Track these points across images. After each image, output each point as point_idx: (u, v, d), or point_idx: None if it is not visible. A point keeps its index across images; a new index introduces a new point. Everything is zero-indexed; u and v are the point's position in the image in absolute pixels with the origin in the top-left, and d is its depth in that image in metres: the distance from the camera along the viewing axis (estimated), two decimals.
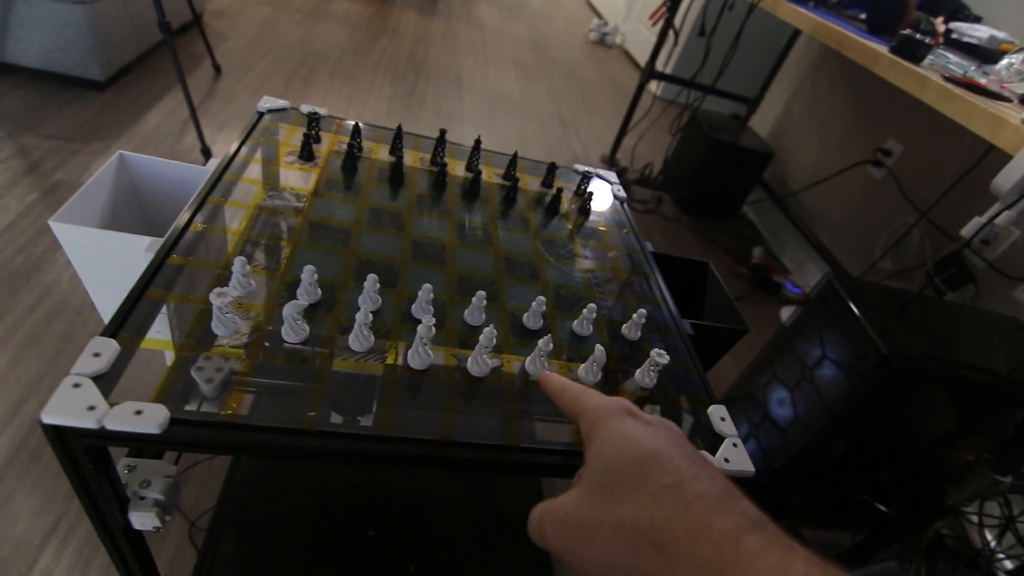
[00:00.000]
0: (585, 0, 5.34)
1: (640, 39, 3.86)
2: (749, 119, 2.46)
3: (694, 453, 0.28)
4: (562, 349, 0.53)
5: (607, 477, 0.26)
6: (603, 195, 0.81)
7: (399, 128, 0.73)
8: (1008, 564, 1.16)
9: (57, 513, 0.86)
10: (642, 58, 2.12)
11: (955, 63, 1.11)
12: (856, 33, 1.32)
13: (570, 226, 0.72)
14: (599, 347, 0.48)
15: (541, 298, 0.53)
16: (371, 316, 0.45)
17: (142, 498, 0.44)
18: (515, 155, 0.76)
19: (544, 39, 3.92)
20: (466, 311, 0.52)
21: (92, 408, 0.35)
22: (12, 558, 0.80)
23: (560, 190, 0.73)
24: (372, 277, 0.48)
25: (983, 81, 1.07)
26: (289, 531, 0.81)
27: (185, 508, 0.89)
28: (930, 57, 1.11)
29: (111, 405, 0.36)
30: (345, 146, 0.69)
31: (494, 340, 0.45)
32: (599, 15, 4.76)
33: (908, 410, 0.98)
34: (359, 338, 0.45)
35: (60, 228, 0.57)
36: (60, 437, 0.36)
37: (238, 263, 0.46)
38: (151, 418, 0.36)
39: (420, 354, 0.45)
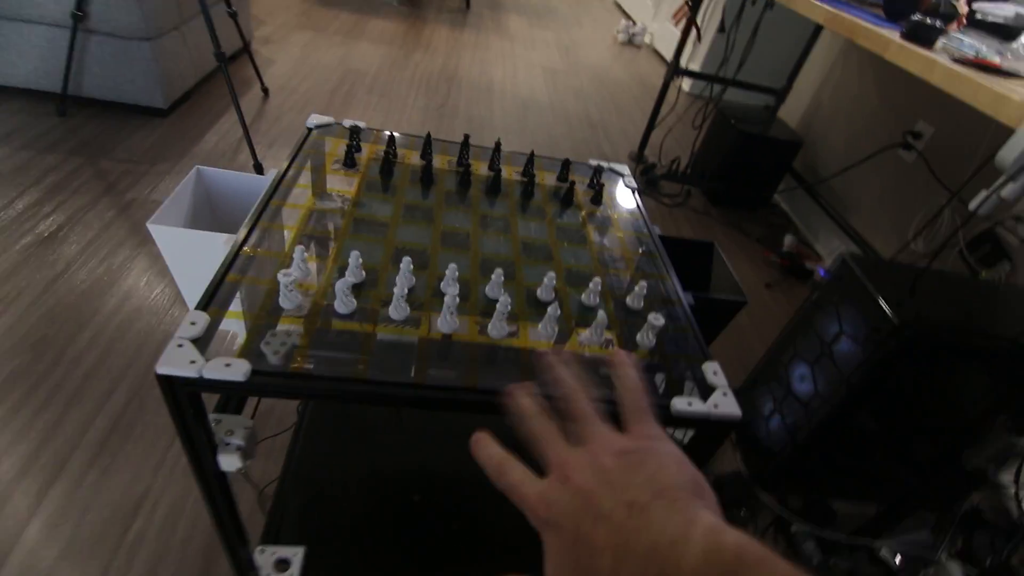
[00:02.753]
0: (613, 2, 5.39)
1: (669, 37, 3.89)
2: (778, 109, 2.46)
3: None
4: (571, 317, 0.61)
5: None
6: (615, 186, 0.89)
7: (428, 136, 0.82)
8: None
9: (147, 483, 0.99)
10: (671, 56, 2.17)
11: (968, 44, 1.13)
12: (872, 21, 1.34)
13: (583, 214, 0.80)
14: (601, 312, 0.56)
15: (551, 273, 0.61)
16: (407, 291, 0.54)
17: (227, 444, 0.55)
18: (532, 154, 0.85)
19: (573, 44, 4.00)
20: (487, 286, 0.60)
21: (193, 362, 0.46)
22: (111, 520, 0.93)
23: (573, 183, 0.81)
24: (407, 259, 0.58)
25: (997, 60, 1.08)
26: (344, 497, 0.91)
27: (254, 479, 1.01)
28: (943, 40, 1.14)
29: (206, 360, 0.46)
30: (382, 153, 0.79)
31: (509, 307, 0.54)
32: (628, 16, 4.80)
33: (927, 380, 1.00)
34: (397, 309, 0.54)
35: (156, 229, 0.69)
36: (170, 385, 0.46)
37: (298, 251, 0.56)
38: (237, 369, 0.46)
39: (448, 320, 0.54)
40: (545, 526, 0.29)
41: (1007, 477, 1.03)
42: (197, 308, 0.51)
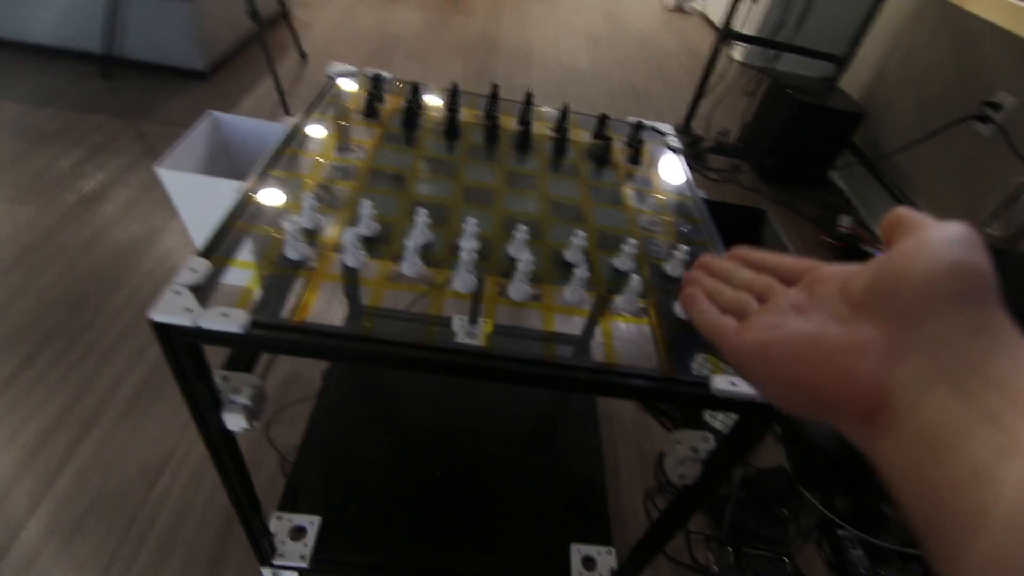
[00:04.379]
0: None
1: (721, 3, 3.68)
2: (838, 79, 2.29)
3: None
4: (603, 282, 0.55)
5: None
6: (656, 146, 0.82)
7: (454, 86, 0.77)
8: None
9: (174, 441, 0.99)
10: (722, 23, 2.04)
11: None
12: None
13: (620, 174, 0.73)
14: (635, 276, 0.50)
15: (581, 232, 0.55)
16: (422, 246, 0.50)
17: (233, 402, 0.52)
18: (566, 107, 0.78)
19: (618, 8, 3.83)
20: (510, 245, 0.55)
21: (189, 310, 0.42)
22: (138, 477, 0.93)
23: (610, 139, 0.75)
24: (423, 211, 0.53)
25: None
26: (363, 467, 0.89)
27: (277, 444, 1.00)
28: None
29: (205, 309, 0.43)
30: (405, 104, 0.74)
31: (532, 265, 0.49)
32: None
33: None
34: (411, 264, 0.50)
35: (164, 173, 0.66)
36: (165, 333, 0.43)
37: (307, 199, 0.52)
38: (236, 320, 0.42)
39: (464, 278, 0.49)
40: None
41: None
42: (199, 255, 0.48)
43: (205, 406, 0.50)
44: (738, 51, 3.11)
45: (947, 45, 1.91)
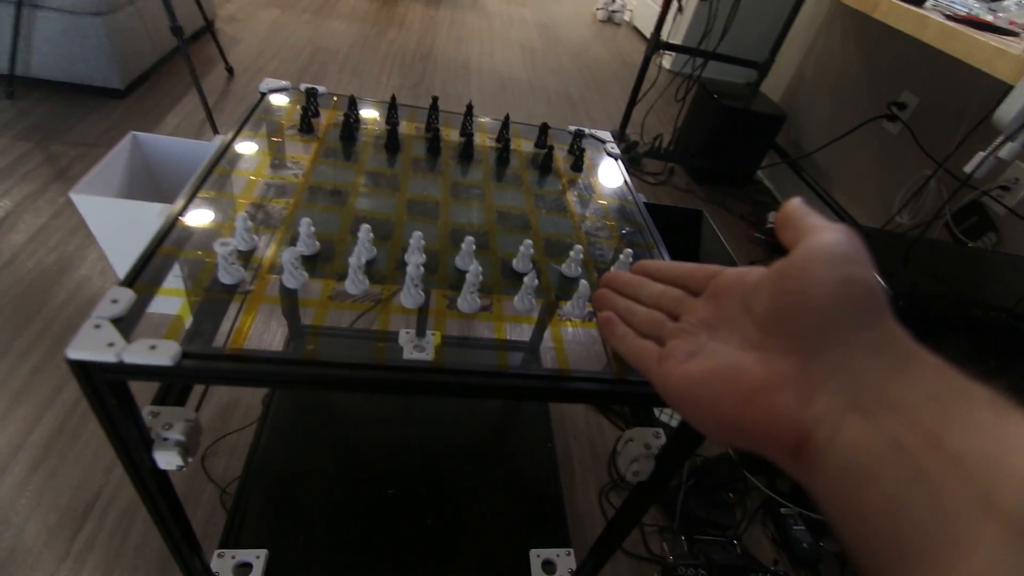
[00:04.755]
0: None
1: (649, 14, 3.82)
2: (760, 84, 2.42)
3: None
4: (551, 289, 0.55)
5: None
6: (596, 153, 0.83)
7: (393, 98, 0.75)
8: None
9: (98, 485, 0.91)
10: (651, 33, 2.11)
11: (959, 2, 1.08)
12: None
13: (563, 182, 0.74)
14: (583, 282, 0.50)
15: (528, 241, 0.55)
16: (365, 263, 0.48)
17: (165, 439, 0.48)
18: (507, 117, 0.78)
19: (552, 21, 3.91)
20: (456, 257, 0.55)
21: (111, 344, 0.39)
22: (58, 526, 0.86)
23: (552, 147, 0.75)
24: (365, 227, 0.51)
25: (989, 18, 1.04)
26: (311, 492, 0.85)
27: (215, 476, 0.94)
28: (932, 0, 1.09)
29: (128, 342, 0.40)
30: (342, 118, 0.72)
31: (480, 277, 0.48)
32: None
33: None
34: (354, 281, 0.48)
35: (79, 199, 0.61)
36: (85, 372, 0.39)
37: (240, 219, 0.49)
38: (164, 351, 0.39)
39: (411, 293, 0.48)
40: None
41: None
42: (122, 284, 0.44)
43: (133, 446, 0.46)
44: (667, 59, 3.23)
45: (856, 50, 2.05)
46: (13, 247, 1.30)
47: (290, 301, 0.48)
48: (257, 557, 0.73)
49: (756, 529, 1.07)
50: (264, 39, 2.62)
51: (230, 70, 2.26)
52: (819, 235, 0.24)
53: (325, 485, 0.86)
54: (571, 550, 0.82)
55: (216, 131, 1.70)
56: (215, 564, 0.71)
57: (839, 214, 1.94)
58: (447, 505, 0.86)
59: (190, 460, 0.50)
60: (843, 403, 0.20)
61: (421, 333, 0.46)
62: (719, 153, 2.17)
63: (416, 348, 0.44)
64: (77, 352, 0.39)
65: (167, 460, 0.48)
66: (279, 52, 2.53)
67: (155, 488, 0.50)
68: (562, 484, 0.96)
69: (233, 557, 0.73)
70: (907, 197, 1.73)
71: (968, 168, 0.85)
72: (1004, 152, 0.81)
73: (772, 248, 1.98)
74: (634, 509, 0.65)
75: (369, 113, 0.79)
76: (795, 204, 0.28)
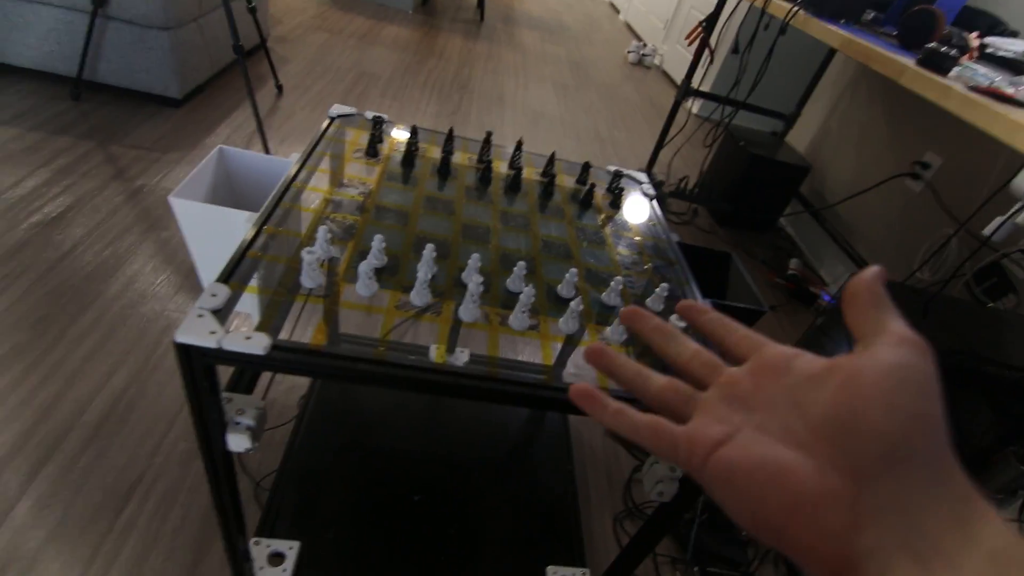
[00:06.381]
0: (624, 23, 5.46)
1: (678, 60, 3.94)
2: (786, 135, 2.49)
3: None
4: (592, 314, 0.60)
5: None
6: (633, 192, 0.89)
7: (451, 131, 0.82)
8: None
9: (141, 469, 0.97)
10: (680, 78, 2.20)
11: (983, 74, 1.14)
12: (887, 48, 1.36)
13: (602, 217, 0.79)
14: (623, 310, 0.56)
15: (573, 269, 0.60)
16: (430, 278, 0.53)
17: (237, 423, 0.54)
18: (553, 155, 0.85)
19: (584, 61, 4.04)
20: (508, 279, 0.60)
21: (213, 332, 0.45)
22: (103, 504, 0.91)
23: (593, 185, 0.81)
24: (430, 246, 0.57)
25: (1011, 91, 1.10)
26: (342, 493, 0.90)
27: (251, 470, 0.99)
28: (957, 69, 1.15)
29: (226, 332, 0.45)
30: (404, 145, 0.79)
31: (532, 298, 0.53)
32: (638, 37, 4.86)
33: None
34: (420, 294, 0.54)
35: (177, 202, 0.68)
36: (187, 355, 0.45)
37: (321, 231, 0.56)
38: (258, 342, 0.45)
39: (470, 308, 0.53)
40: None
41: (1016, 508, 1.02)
42: (218, 280, 0.50)
43: (213, 427, 0.52)
44: (696, 105, 3.32)
45: (882, 108, 2.12)
46: (73, 239, 1.38)
47: (363, 306, 0.53)
48: (290, 548, 0.77)
49: (768, 569, 1.09)
50: (312, 60, 2.75)
51: (279, 87, 2.38)
52: (896, 349, 0.22)
53: (355, 487, 0.90)
54: (587, 570, 0.85)
55: (266, 144, 1.79)
56: (252, 550, 0.75)
57: (860, 266, 1.98)
58: (469, 515, 0.90)
59: (257, 444, 0.55)
60: (896, 542, 0.20)
61: (452, 349, 0.51)
62: (743, 198, 2.23)
63: (464, 358, 0.49)
64: (184, 336, 0.44)
65: (239, 442, 0.53)
66: (325, 73, 2.65)
67: (222, 467, 0.55)
68: (579, 507, 0.99)
69: (268, 546, 0.77)
70: (928, 254, 1.76)
71: (987, 231, 0.89)
72: (1023, 218, 0.85)
73: (791, 294, 2.01)
74: (651, 534, 0.68)
75: (425, 139, 0.85)
76: (870, 281, 0.25)
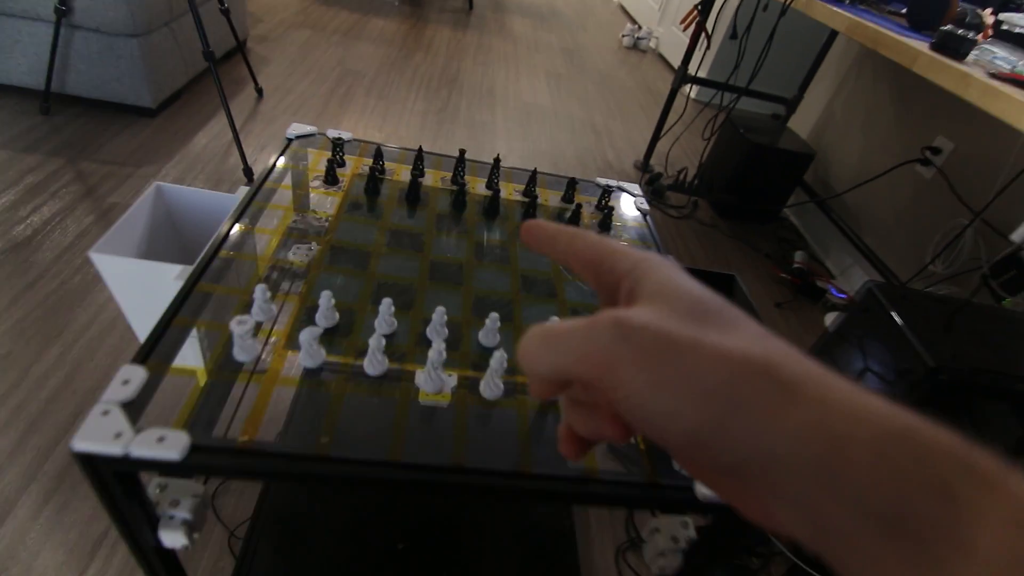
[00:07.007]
0: (618, 6, 5.32)
1: (675, 42, 3.81)
2: (788, 120, 2.39)
3: None
4: None
5: (695, 306, 0.22)
6: (625, 208, 0.81)
7: (420, 149, 0.74)
8: None
9: (107, 522, 0.90)
10: (677, 62, 2.10)
11: (1003, 58, 1.05)
12: (895, 30, 1.27)
13: None
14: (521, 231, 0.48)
15: (555, 317, 0.52)
16: (384, 340, 0.46)
17: (171, 517, 0.46)
18: (535, 172, 0.77)
19: (577, 47, 3.92)
20: (480, 332, 0.52)
21: (119, 435, 0.37)
22: (65, 564, 0.84)
23: (580, 205, 0.73)
24: (387, 301, 0.49)
25: None
26: (322, 541, 0.83)
27: (224, 518, 0.92)
28: (975, 52, 1.06)
29: (137, 431, 0.38)
30: (367, 169, 0.71)
31: (505, 364, 0.46)
32: (633, 20, 4.73)
33: (958, 423, 0.92)
34: (373, 362, 0.46)
35: (99, 259, 0.61)
36: (90, 463, 0.38)
37: (259, 291, 0.48)
38: (172, 445, 0.38)
39: (432, 378, 0.45)
40: (649, 263, 0.25)
41: None
42: (133, 361, 0.43)
43: (138, 526, 0.44)
44: (694, 89, 3.21)
45: (888, 90, 2.01)
46: (40, 265, 1.31)
47: (306, 383, 0.46)
48: None
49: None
50: (294, 60, 2.65)
51: (260, 91, 2.28)
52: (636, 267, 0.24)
53: (334, 535, 0.84)
54: None
55: (243, 153, 1.71)
56: None
57: (869, 259, 1.89)
58: (460, 558, 0.84)
59: (196, 536, 0.48)
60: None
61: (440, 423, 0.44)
62: (745, 189, 2.14)
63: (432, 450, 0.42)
64: (84, 443, 0.37)
65: (173, 539, 0.46)
66: (308, 73, 2.56)
67: (160, 566, 0.48)
68: (577, 540, 0.93)
69: None
70: (941, 246, 1.67)
71: (1015, 237, 0.81)
72: None
73: (797, 289, 1.93)
74: None
75: (394, 156, 0.77)
76: (534, 231, 0.26)
